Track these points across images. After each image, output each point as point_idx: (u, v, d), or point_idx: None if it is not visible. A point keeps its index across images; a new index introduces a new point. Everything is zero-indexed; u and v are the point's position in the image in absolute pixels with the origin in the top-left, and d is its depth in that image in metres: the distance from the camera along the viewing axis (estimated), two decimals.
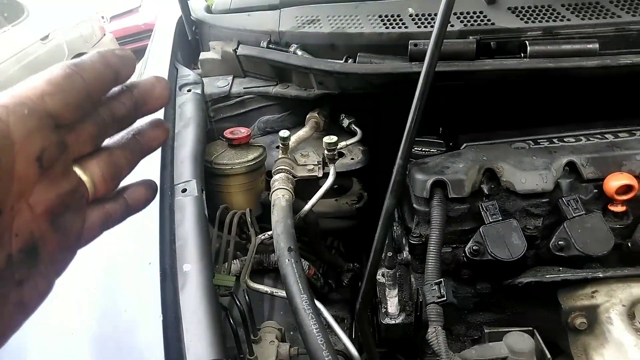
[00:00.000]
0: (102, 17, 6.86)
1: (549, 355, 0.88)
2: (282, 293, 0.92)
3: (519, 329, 0.92)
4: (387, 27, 1.11)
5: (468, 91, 1.13)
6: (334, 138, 1.06)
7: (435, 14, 1.10)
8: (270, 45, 1.21)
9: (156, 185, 0.39)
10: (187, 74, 1.19)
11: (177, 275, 0.73)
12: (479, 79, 1.05)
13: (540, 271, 0.96)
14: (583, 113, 1.05)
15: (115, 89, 0.34)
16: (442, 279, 0.89)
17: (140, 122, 0.37)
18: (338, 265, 1.27)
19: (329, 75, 1.12)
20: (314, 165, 1.13)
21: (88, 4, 5.91)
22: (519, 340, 0.88)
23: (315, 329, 0.79)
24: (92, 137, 0.33)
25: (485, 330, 0.98)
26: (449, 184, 0.98)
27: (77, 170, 0.33)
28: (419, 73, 1.04)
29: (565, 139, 1.04)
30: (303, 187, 1.15)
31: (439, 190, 0.99)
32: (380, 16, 1.13)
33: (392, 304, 1.02)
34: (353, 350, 0.88)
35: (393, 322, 1.02)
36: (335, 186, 1.32)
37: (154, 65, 1.22)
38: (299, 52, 1.18)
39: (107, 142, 0.35)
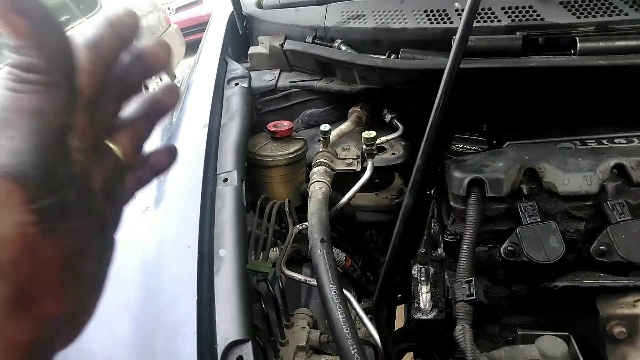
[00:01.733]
0: (168, 9, 7.17)
1: None
2: (314, 282, 0.95)
3: (554, 333, 0.90)
4: (431, 22, 1.11)
5: (513, 88, 1.10)
6: (372, 133, 1.07)
7: (483, 9, 1.08)
8: (316, 41, 1.24)
9: (176, 149, 0.41)
10: (236, 68, 1.24)
11: (213, 259, 0.78)
12: (525, 76, 1.03)
13: (579, 276, 0.93)
14: (636, 114, 1.00)
15: (125, 57, 0.34)
16: (472, 278, 0.88)
17: (154, 88, 0.38)
18: (375, 258, 1.29)
19: (371, 71, 1.14)
20: (353, 159, 1.15)
21: None
22: (552, 344, 0.87)
23: (342, 318, 0.82)
24: (115, 109, 0.34)
25: (518, 332, 0.97)
26: (486, 182, 0.97)
27: (111, 144, 0.35)
28: (461, 69, 1.04)
29: (615, 140, 0.99)
30: (342, 181, 1.17)
31: (476, 189, 0.98)
32: (425, 11, 1.13)
33: (424, 299, 1.03)
34: (379, 341, 0.90)
35: (425, 317, 1.03)
36: (376, 180, 1.34)
37: (205, 59, 1.29)
38: (343, 47, 1.19)
39: (128, 112, 0.36)
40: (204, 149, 0.95)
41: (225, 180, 0.91)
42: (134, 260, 0.81)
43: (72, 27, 4.71)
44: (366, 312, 1.34)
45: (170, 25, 5.88)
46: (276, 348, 0.91)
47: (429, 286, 1.02)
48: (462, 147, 1.10)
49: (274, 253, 1.11)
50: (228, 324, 0.70)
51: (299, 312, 1.00)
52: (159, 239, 0.83)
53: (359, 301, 1.37)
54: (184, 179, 0.93)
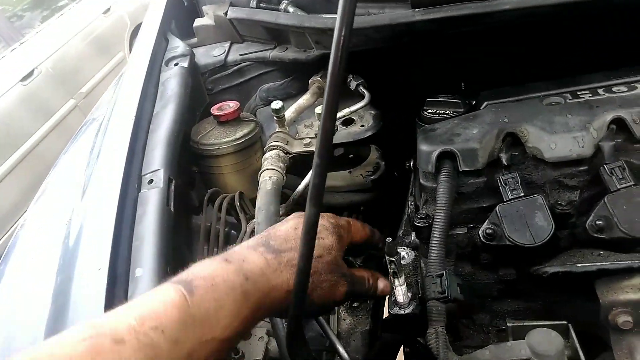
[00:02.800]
0: None
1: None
2: None
3: (550, 323, 0.77)
4: None
5: (488, 38, 0.93)
6: None
7: None
8: (261, 4, 1.08)
9: None
10: (176, 46, 1.10)
11: (129, 281, 0.67)
12: (500, 21, 0.85)
13: (575, 256, 0.78)
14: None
15: None
16: (444, 272, 0.75)
17: None
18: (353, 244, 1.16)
19: (323, 34, 0.98)
20: (311, 138, 1.01)
21: None
22: (545, 339, 0.73)
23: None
24: None
25: (508, 324, 0.83)
26: (458, 155, 0.82)
27: None
28: (422, 22, 0.87)
29: (613, 89, 0.82)
30: (305, 162, 1.04)
31: (447, 163, 0.83)
32: None
33: (399, 292, 0.90)
34: (342, 352, 0.78)
35: (402, 312, 0.91)
36: (350, 156, 1.20)
37: (143, 38, 1.14)
38: (291, 9, 1.03)
39: None
40: (127, 147, 0.83)
41: (151, 181, 0.79)
42: (41, 291, 0.71)
43: (62, 15, 4.59)
44: (349, 307, 1.23)
45: None
46: None
47: (402, 277, 0.89)
48: (434, 113, 0.95)
49: None
50: None
51: None
52: (69, 260, 0.72)
53: None
54: (102, 187, 0.81)
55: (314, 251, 0.50)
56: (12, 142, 3.69)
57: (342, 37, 0.41)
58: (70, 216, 0.81)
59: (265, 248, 0.58)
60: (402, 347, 1.11)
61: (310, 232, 0.43)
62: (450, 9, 0.85)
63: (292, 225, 0.64)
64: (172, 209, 0.77)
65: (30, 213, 0.94)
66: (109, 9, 4.95)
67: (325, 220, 0.66)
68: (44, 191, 0.97)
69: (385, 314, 1.23)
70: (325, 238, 0.63)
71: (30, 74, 4.00)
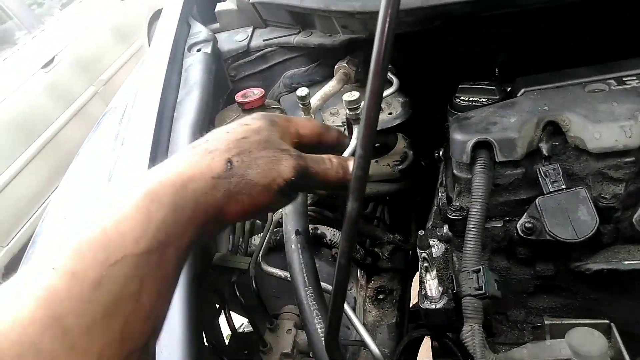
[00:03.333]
0: None
1: None
2: None
3: (590, 322, 0.73)
4: None
5: (526, 20, 0.88)
6: (355, 94, 0.89)
7: None
8: None
9: None
10: (198, 31, 1.07)
11: None
12: (538, 1, 0.80)
13: (621, 252, 0.74)
14: None
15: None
16: (481, 267, 0.72)
17: None
18: (377, 237, 1.13)
19: (351, 17, 0.94)
20: (339, 126, 0.98)
21: None
22: (588, 338, 0.70)
23: (320, 328, 0.69)
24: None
25: (546, 322, 0.80)
26: (495, 144, 0.78)
27: None
28: (456, 4, 0.83)
29: None
30: (332, 152, 1.01)
31: (483, 153, 0.79)
32: None
33: (430, 287, 0.87)
34: (373, 347, 0.75)
35: (433, 306, 0.87)
36: (376, 145, 1.16)
37: (164, 24, 1.11)
38: None
39: None
40: (151, 137, 0.81)
41: None
42: None
43: (80, 2, 4.60)
44: (376, 293, 1.20)
45: None
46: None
47: (434, 272, 0.85)
48: (467, 100, 0.90)
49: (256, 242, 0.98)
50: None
51: (285, 311, 0.88)
52: None
53: (369, 280, 1.24)
54: (127, 177, 0.79)
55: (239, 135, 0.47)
56: (35, 128, 3.74)
57: (387, 19, 0.38)
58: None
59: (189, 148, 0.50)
60: (430, 342, 1.09)
61: (351, 227, 0.41)
62: None
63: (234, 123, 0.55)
64: None
65: (54, 201, 0.93)
66: None
67: (249, 117, 0.56)
68: (67, 179, 0.96)
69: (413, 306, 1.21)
70: (250, 124, 0.54)
71: (51, 61, 4.03)
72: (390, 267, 1.21)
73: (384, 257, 1.14)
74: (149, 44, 4.84)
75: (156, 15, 5.08)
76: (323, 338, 0.67)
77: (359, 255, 1.11)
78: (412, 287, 1.27)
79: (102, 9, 4.66)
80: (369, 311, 1.16)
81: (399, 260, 1.18)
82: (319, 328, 0.68)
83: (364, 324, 1.09)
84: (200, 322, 0.62)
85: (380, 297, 1.19)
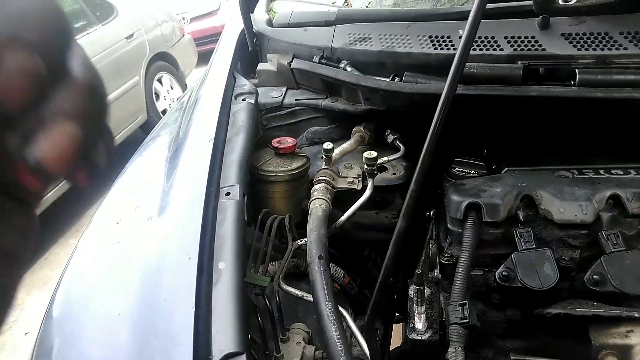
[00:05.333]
0: (183, 19, 7.30)
1: None
2: (311, 298, 0.97)
3: None
4: (435, 48, 1.14)
5: (513, 116, 1.13)
6: (373, 153, 1.10)
7: (486, 37, 1.11)
8: (322, 60, 1.27)
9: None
10: (244, 84, 1.27)
11: (212, 271, 0.80)
12: (524, 104, 1.05)
13: (573, 304, 0.94)
14: (634, 146, 1.02)
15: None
16: (466, 301, 0.90)
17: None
18: (372, 277, 1.30)
19: (375, 92, 1.16)
20: (354, 178, 1.17)
21: (172, 5, 6.30)
22: None
23: (337, 335, 0.84)
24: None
25: (512, 357, 0.98)
26: (484, 207, 0.99)
27: None
28: (462, 95, 1.06)
29: (612, 171, 1.01)
30: (343, 198, 1.19)
31: (473, 213, 1.00)
32: (430, 37, 1.16)
33: (419, 320, 1.04)
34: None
35: (419, 337, 1.04)
36: (377, 199, 1.36)
37: (215, 74, 1.32)
38: (349, 69, 1.22)
39: None
40: (209, 163, 0.98)
41: (228, 194, 0.94)
42: (135, 268, 0.83)
43: (87, 34, 4.79)
44: (362, 330, 1.35)
45: (183, 35, 5.98)
46: None
47: (424, 307, 1.03)
48: (461, 171, 1.12)
49: (273, 267, 1.13)
50: (224, 336, 0.71)
51: (295, 327, 1.02)
52: (160, 249, 0.85)
53: (355, 319, 1.39)
54: (187, 191, 0.95)
55: None
56: None
57: (447, 99, 0.58)
58: (152, 214, 0.94)
59: None
60: None
61: (398, 240, 0.58)
62: (486, 88, 1.05)
63: None
64: (245, 218, 0.91)
65: (103, 208, 1.07)
66: (132, 35, 5.18)
67: None
68: (118, 191, 1.10)
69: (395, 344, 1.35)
70: None
71: None
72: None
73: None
74: (144, 83, 5.05)
75: (156, 56, 5.33)
76: (339, 345, 0.82)
77: (354, 292, 1.27)
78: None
79: (107, 43, 4.86)
80: (355, 345, 1.30)
81: (385, 303, 1.35)
82: (335, 336, 0.83)
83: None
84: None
85: (364, 335, 1.34)
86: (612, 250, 0.91)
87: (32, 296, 3.19)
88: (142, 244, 0.88)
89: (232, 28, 1.56)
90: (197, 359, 0.68)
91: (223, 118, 1.13)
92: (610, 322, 0.89)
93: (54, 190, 3.89)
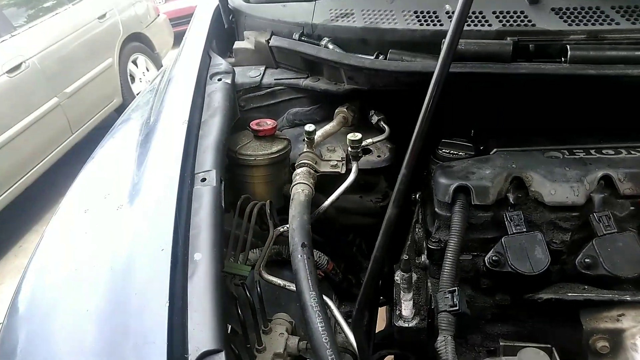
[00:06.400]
0: None
1: None
2: (294, 287, 0.92)
3: (536, 345, 0.89)
4: (421, 24, 1.08)
5: (502, 94, 1.08)
6: (358, 135, 1.05)
7: (474, 12, 1.06)
8: (303, 38, 1.20)
9: None
10: (220, 63, 1.20)
11: (187, 263, 0.74)
12: (514, 82, 1.01)
13: (564, 288, 0.91)
14: (626, 125, 0.99)
15: None
16: (456, 288, 0.86)
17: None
18: (357, 262, 1.26)
19: (358, 71, 1.11)
20: (337, 161, 1.13)
21: None
22: (534, 357, 0.85)
23: (321, 327, 0.79)
24: None
25: (501, 343, 0.95)
26: (473, 190, 0.95)
27: None
28: (450, 73, 1.02)
29: (603, 151, 0.98)
30: (326, 182, 1.14)
31: (462, 196, 0.96)
32: (415, 12, 1.10)
33: (406, 307, 1.00)
34: (358, 351, 0.87)
35: (406, 325, 1.01)
36: (361, 182, 1.31)
37: (188, 53, 1.24)
38: (330, 46, 1.16)
39: None
40: (183, 147, 0.92)
41: (204, 180, 0.88)
42: (103, 260, 0.77)
43: (57, 13, 4.59)
44: (346, 317, 1.32)
45: (158, 15, 5.79)
46: (252, 355, 0.88)
47: (411, 293, 0.99)
48: (448, 152, 1.08)
49: (253, 255, 1.08)
50: (201, 333, 0.66)
51: (278, 317, 0.97)
52: (131, 239, 0.79)
53: (340, 305, 1.35)
54: (160, 178, 0.89)
55: None
56: None
57: (440, 76, 0.53)
58: (122, 202, 0.88)
59: None
60: None
61: (389, 228, 0.54)
62: (474, 66, 1.00)
63: None
64: (223, 205, 0.86)
65: (70, 196, 1.00)
66: (104, 15, 4.99)
67: None
68: (87, 178, 1.03)
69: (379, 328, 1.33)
70: None
71: (18, 67, 3.97)
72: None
73: (362, 281, 1.26)
74: (118, 65, 4.89)
75: (130, 37, 5.15)
76: (324, 337, 0.78)
77: (338, 278, 1.23)
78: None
79: (77, 24, 4.67)
80: (339, 332, 1.26)
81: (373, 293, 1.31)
82: (320, 328, 0.79)
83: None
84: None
85: (349, 320, 1.31)
86: (604, 232, 0.88)
87: (6, 285, 3.09)
88: (112, 234, 0.81)
89: (206, 4, 1.47)
90: (172, 359, 0.63)
91: (198, 99, 1.06)
92: (601, 307, 0.86)
93: (27, 175, 3.77)
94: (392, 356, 1.22)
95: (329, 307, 0.92)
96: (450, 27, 0.58)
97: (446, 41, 0.57)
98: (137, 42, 5.30)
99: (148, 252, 0.76)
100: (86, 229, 0.88)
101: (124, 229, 0.81)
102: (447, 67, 0.55)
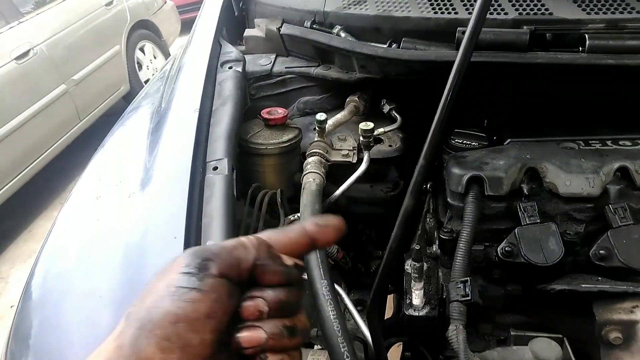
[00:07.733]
0: None
1: None
2: (305, 276, 0.92)
3: (548, 335, 0.89)
4: (435, 12, 1.07)
5: (518, 84, 1.07)
6: (370, 125, 1.04)
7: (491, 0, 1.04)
8: (314, 26, 1.19)
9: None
10: (230, 51, 1.19)
11: None
12: (530, 72, 0.99)
13: (577, 279, 0.91)
14: None
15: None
16: (468, 278, 0.86)
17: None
18: (367, 252, 1.26)
19: (371, 60, 1.09)
20: (349, 150, 1.12)
21: None
22: (546, 346, 0.85)
23: (333, 314, 0.79)
24: None
25: (512, 333, 0.95)
26: (486, 180, 0.94)
27: None
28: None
29: (620, 142, 0.97)
30: (337, 171, 1.14)
31: (475, 187, 0.95)
32: (429, 0, 1.08)
33: (416, 296, 1.00)
34: (370, 338, 0.87)
35: (416, 314, 1.01)
36: (372, 172, 1.31)
37: (199, 40, 1.23)
38: (342, 34, 1.15)
39: None
40: (194, 135, 0.91)
41: (215, 168, 0.87)
42: (116, 249, 0.77)
43: (64, 0, 4.58)
44: (356, 304, 1.32)
45: (165, 2, 5.77)
46: None
47: (422, 283, 0.99)
48: (461, 143, 1.07)
49: None
50: None
51: None
52: (143, 227, 0.79)
53: (349, 292, 1.35)
54: (172, 166, 0.89)
55: None
56: None
57: (461, 67, 0.52)
58: (133, 190, 0.88)
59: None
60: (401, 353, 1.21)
61: (405, 219, 0.53)
62: (490, 55, 0.99)
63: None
64: (234, 193, 0.85)
65: (82, 183, 1.00)
66: (111, 2, 4.97)
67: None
68: (98, 165, 1.03)
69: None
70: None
71: (26, 54, 3.97)
72: (371, 282, 1.34)
73: (372, 270, 1.26)
74: (126, 52, 4.88)
75: (137, 25, 5.13)
76: (335, 325, 0.78)
77: (347, 267, 1.23)
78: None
79: (85, 10, 4.66)
80: (348, 320, 1.27)
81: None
82: (332, 316, 0.79)
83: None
84: None
85: (359, 308, 1.31)
86: (620, 224, 0.87)
87: (16, 269, 3.13)
88: (124, 222, 0.82)
89: None
90: None
91: (208, 87, 1.06)
92: (615, 298, 0.86)
93: (36, 161, 3.79)
94: (401, 343, 1.22)
95: (340, 295, 0.92)
96: (473, 14, 0.57)
97: (468, 29, 0.56)
98: (144, 30, 5.28)
99: (160, 240, 0.76)
100: (98, 216, 0.88)
101: (136, 217, 0.82)
102: (468, 57, 0.54)
